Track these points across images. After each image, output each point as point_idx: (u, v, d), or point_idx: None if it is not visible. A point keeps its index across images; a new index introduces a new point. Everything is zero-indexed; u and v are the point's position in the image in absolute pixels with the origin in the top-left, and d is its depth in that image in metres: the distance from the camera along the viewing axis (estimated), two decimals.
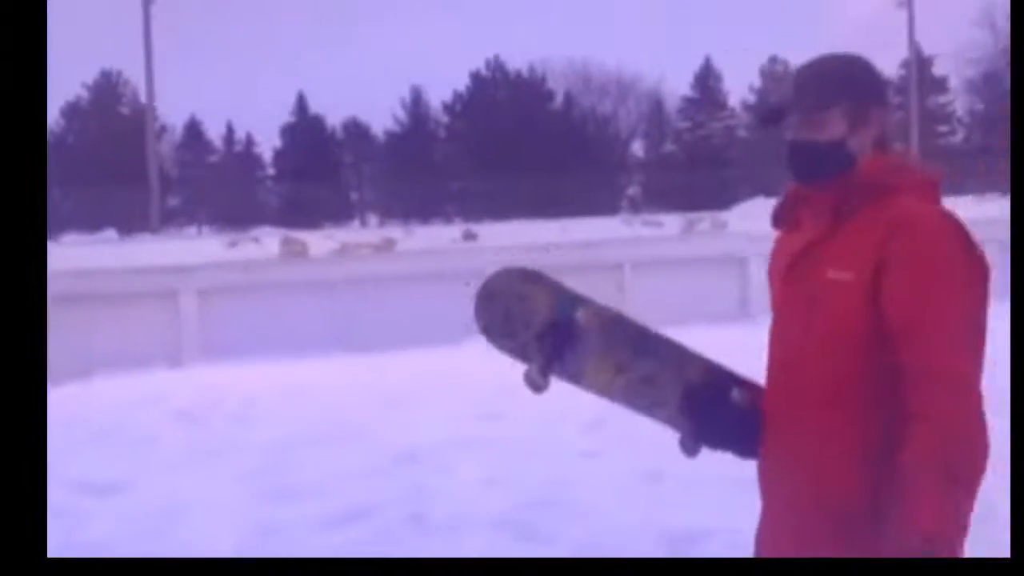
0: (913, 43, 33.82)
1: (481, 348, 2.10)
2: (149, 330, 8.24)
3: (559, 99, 53.51)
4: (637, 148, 56.65)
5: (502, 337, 1.92)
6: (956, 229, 1.76)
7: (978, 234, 1.78)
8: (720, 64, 53.88)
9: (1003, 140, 48.35)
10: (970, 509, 1.67)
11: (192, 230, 46.91)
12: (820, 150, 1.84)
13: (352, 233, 25.51)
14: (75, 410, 6.90)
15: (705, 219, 24.58)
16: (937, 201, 1.86)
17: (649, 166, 54.46)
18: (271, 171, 57.41)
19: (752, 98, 54.74)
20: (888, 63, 54.40)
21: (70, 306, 7.59)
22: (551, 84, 53.48)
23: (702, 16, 68.52)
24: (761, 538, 1.94)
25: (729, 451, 1.92)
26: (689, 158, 51.42)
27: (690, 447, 1.89)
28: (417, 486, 4.97)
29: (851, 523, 1.75)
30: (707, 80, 54.02)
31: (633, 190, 55.29)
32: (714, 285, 8.86)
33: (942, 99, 50.48)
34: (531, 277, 1.95)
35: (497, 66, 53.44)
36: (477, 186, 44.89)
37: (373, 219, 51.75)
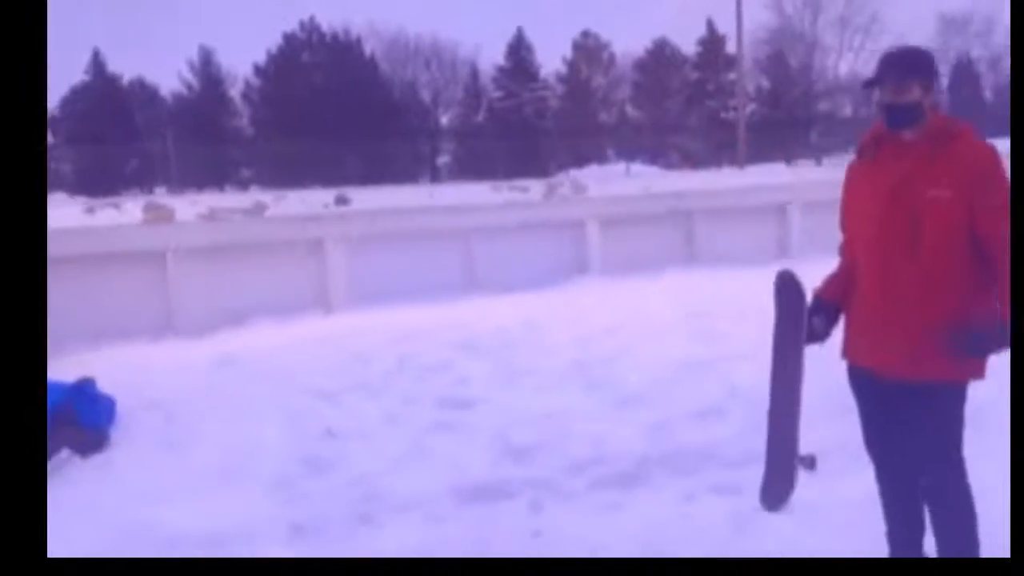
0: (740, 23, 36.51)
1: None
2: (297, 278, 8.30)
3: (371, 64, 52.53)
4: (450, 117, 56.68)
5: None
6: (999, 154, 2.85)
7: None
8: (533, 36, 54.92)
9: (785, 113, 52.24)
10: None
11: None
12: (906, 107, 2.88)
13: (220, 198, 24.37)
14: (348, 344, 6.96)
15: (564, 183, 25.40)
16: (979, 138, 2.92)
17: (461, 135, 54.65)
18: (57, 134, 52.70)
19: (565, 70, 56.26)
20: (686, 41, 57.69)
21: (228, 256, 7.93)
22: (365, 49, 52.47)
23: None
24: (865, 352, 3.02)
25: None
26: (502, 127, 52.09)
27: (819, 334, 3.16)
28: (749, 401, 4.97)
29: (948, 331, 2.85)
30: (519, 51, 54.89)
31: (443, 159, 55.38)
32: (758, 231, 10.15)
33: (732, 75, 54.05)
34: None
35: (313, 27, 51.72)
36: (278, 150, 43.35)
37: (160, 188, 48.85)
